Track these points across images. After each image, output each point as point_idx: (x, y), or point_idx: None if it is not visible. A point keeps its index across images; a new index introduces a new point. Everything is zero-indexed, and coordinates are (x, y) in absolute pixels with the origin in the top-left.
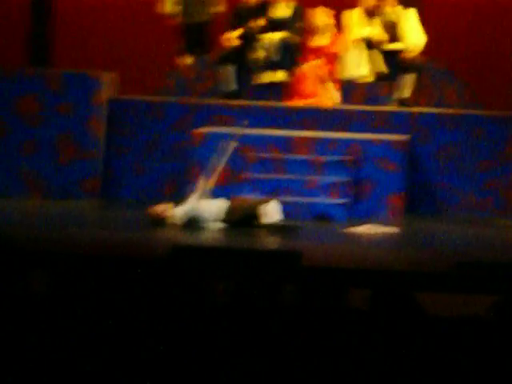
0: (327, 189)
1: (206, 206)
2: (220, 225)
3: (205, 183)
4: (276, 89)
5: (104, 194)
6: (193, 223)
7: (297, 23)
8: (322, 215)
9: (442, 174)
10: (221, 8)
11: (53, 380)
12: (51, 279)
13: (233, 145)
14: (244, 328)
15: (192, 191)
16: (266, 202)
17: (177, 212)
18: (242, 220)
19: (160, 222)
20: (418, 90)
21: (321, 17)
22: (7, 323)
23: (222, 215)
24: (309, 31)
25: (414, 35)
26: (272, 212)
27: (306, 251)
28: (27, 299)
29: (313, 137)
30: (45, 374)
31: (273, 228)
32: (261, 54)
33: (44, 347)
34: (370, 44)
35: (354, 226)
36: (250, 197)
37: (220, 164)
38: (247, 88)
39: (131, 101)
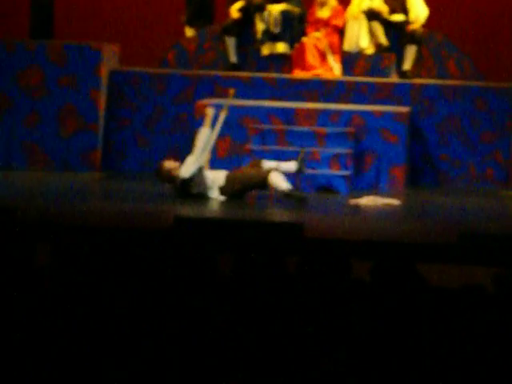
0: (329, 160)
1: (207, 176)
2: (222, 196)
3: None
4: (277, 61)
5: (105, 167)
6: (195, 186)
7: None
8: (323, 187)
9: (443, 146)
10: None
11: (56, 352)
12: (54, 251)
13: (224, 115)
14: (246, 299)
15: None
16: (268, 172)
17: (186, 170)
18: (242, 190)
19: (168, 178)
20: (419, 61)
21: None
22: (12, 296)
23: (221, 185)
24: (309, 3)
25: (416, 7)
26: (280, 180)
27: (308, 223)
28: (32, 272)
29: (314, 108)
30: (49, 347)
31: (287, 197)
32: (262, 26)
33: (49, 320)
34: (371, 16)
35: (355, 197)
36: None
37: (214, 136)
38: (249, 60)
39: (133, 72)
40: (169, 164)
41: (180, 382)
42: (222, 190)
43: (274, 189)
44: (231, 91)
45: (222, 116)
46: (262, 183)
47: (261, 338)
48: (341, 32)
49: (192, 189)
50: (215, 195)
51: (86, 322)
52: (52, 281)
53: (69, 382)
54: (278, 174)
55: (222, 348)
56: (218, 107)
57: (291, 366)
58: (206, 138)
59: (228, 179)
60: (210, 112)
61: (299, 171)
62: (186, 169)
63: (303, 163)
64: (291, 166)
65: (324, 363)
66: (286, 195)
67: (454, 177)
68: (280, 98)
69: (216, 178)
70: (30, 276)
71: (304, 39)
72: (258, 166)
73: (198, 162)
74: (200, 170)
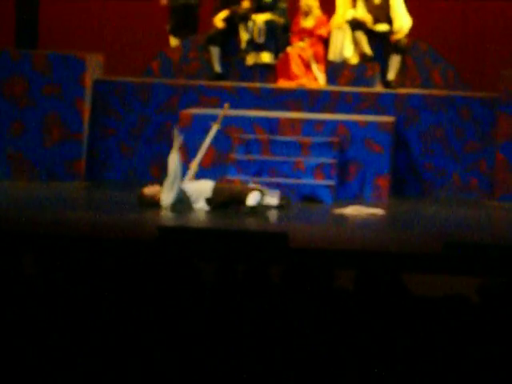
0: (313, 170)
1: (192, 187)
2: (205, 206)
3: (193, 165)
4: (262, 71)
5: (90, 176)
6: (179, 204)
7: (280, 4)
8: (308, 196)
9: (427, 156)
10: None
11: (45, 361)
12: (39, 261)
13: (216, 127)
14: (230, 309)
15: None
16: (252, 190)
17: (166, 197)
18: (226, 203)
19: (152, 204)
20: (404, 71)
21: None
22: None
23: (208, 196)
24: (294, 13)
25: (399, 17)
26: (250, 199)
27: (293, 232)
28: (20, 282)
29: (299, 118)
30: (37, 355)
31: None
32: (246, 36)
33: (37, 331)
34: (355, 25)
35: (340, 207)
36: (235, 180)
37: (205, 146)
38: (233, 70)
39: (117, 82)
40: (149, 190)
41: None
42: (209, 201)
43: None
44: (226, 105)
45: (214, 129)
46: (243, 200)
47: (244, 348)
48: (325, 42)
49: (178, 210)
50: (200, 206)
51: (70, 332)
52: (36, 290)
53: None
54: (256, 196)
55: (204, 357)
56: (210, 119)
57: (274, 376)
58: (175, 163)
59: (215, 191)
60: (177, 137)
61: (279, 207)
62: (166, 197)
63: (285, 206)
64: (274, 200)
65: (308, 372)
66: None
67: (438, 186)
68: (264, 108)
69: (202, 188)
70: (16, 286)
71: (288, 49)
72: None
73: (176, 188)
74: (181, 193)
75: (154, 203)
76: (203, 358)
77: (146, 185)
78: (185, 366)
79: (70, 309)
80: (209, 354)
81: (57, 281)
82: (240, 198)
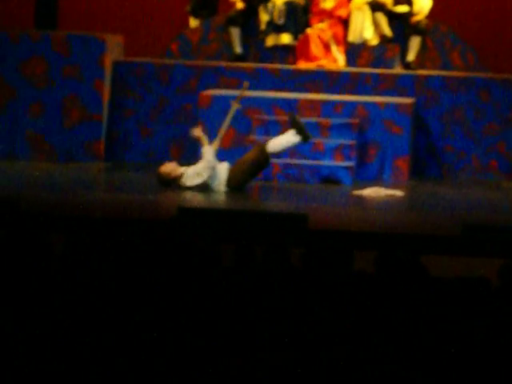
0: (333, 151)
1: (214, 174)
2: (225, 188)
3: (215, 145)
4: (281, 52)
5: (109, 157)
6: (199, 186)
7: None
8: (327, 178)
9: (447, 137)
10: None
11: (69, 337)
12: (58, 242)
13: (235, 107)
14: (249, 290)
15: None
16: (262, 146)
17: (187, 173)
18: (252, 177)
19: (170, 181)
20: (423, 53)
21: None
22: (31, 285)
23: (227, 181)
24: None
25: None
26: (279, 143)
27: (312, 214)
28: (48, 261)
29: (318, 99)
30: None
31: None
32: (266, 17)
33: (61, 309)
34: (375, 7)
35: (359, 188)
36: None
37: (224, 126)
38: (253, 51)
39: (137, 63)
40: (165, 168)
41: (183, 369)
42: (226, 184)
43: (280, 151)
44: (245, 84)
45: (234, 108)
46: (264, 161)
47: (263, 329)
48: (345, 23)
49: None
50: (219, 187)
51: (89, 315)
52: (57, 271)
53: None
54: (274, 142)
55: (224, 338)
56: (230, 100)
57: (294, 358)
58: (211, 156)
59: (230, 174)
60: (198, 132)
61: (305, 139)
62: (191, 181)
63: (302, 127)
64: (294, 137)
65: (328, 354)
66: (292, 125)
67: (457, 168)
68: (284, 89)
69: (220, 172)
70: (36, 266)
71: (308, 30)
72: (259, 149)
73: (204, 177)
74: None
75: (170, 181)
76: (222, 338)
77: (163, 162)
78: (203, 346)
79: (88, 289)
80: (228, 335)
81: (76, 261)
82: (260, 164)
